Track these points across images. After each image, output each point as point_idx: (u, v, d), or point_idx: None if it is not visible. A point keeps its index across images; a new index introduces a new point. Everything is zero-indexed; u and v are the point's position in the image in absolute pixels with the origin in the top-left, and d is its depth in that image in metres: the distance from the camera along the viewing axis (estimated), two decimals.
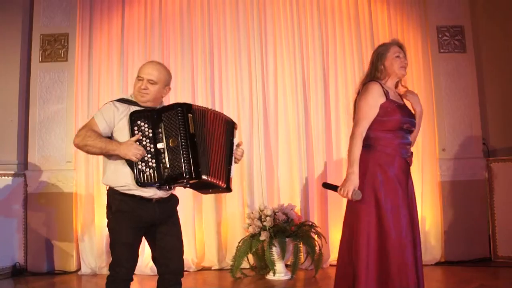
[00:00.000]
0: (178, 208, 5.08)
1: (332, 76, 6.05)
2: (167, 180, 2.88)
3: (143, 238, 3.12)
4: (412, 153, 3.29)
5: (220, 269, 5.72)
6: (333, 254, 5.80)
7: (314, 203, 5.79)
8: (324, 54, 6.04)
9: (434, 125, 5.99)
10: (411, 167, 3.31)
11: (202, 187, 3.16)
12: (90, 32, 6.03)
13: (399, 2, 6.19)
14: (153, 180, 2.87)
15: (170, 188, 3.01)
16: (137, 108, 3.01)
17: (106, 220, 5.71)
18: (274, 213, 5.23)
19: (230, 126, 3.19)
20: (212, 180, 2.95)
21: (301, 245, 5.24)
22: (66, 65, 5.94)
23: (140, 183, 2.87)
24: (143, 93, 3.01)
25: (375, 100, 3.17)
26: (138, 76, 3.06)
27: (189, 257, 5.67)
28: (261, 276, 5.28)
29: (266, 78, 6.03)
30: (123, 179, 2.92)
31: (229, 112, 5.91)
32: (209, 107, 3.16)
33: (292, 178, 5.91)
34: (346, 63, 6.08)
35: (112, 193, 3.00)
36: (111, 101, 3.06)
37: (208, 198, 5.77)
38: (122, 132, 2.95)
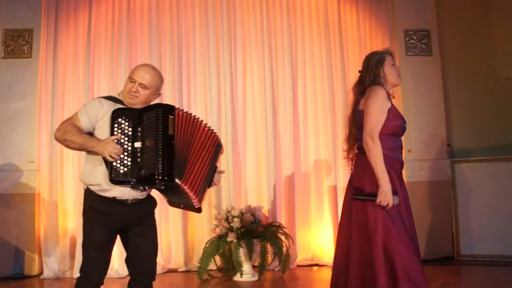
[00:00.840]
0: None
1: (300, 78, 6.07)
2: (140, 179, 2.83)
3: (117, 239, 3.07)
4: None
5: (187, 271, 5.67)
6: (300, 254, 5.83)
7: (281, 204, 5.80)
8: (293, 55, 6.06)
9: None
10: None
11: (175, 197, 3.08)
12: (55, 28, 5.87)
13: (368, 5, 6.26)
14: (125, 179, 2.83)
15: (144, 189, 2.95)
16: (122, 106, 2.96)
17: (70, 222, 5.63)
18: (242, 214, 5.21)
19: (218, 149, 3.12)
20: (186, 187, 2.86)
21: (269, 246, 5.22)
22: (30, 62, 5.77)
23: (113, 180, 2.82)
24: (133, 95, 2.96)
25: (383, 104, 3.18)
26: (130, 78, 3.00)
27: None
28: (228, 278, 5.25)
29: (235, 78, 6.00)
30: (97, 177, 2.88)
31: (197, 112, 5.87)
32: (197, 116, 3.09)
33: (260, 178, 5.91)
34: (314, 64, 6.11)
35: (88, 193, 2.95)
36: (98, 97, 3.03)
37: None
38: (102, 129, 2.91)
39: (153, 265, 3.09)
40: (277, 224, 5.48)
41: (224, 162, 5.80)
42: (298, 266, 5.78)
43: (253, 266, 5.27)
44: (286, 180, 5.87)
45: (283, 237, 5.34)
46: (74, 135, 2.86)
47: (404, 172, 5.86)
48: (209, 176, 3.05)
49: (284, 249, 5.28)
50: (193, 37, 6.02)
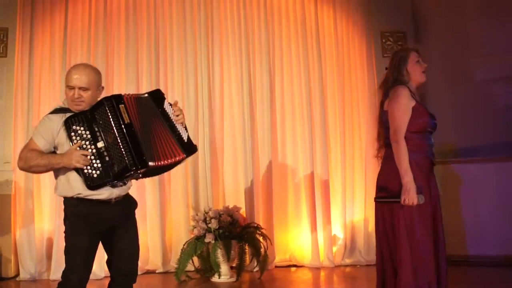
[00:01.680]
0: None
1: (278, 77, 6.09)
2: (115, 176, 2.81)
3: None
4: (434, 153, 3.33)
5: (165, 272, 5.64)
6: (278, 255, 5.85)
7: (259, 205, 5.80)
8: (271, 55, 6.07)
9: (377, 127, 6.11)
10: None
11: (159, 171, 3.11)
12: (31, 27, 5.78)
13: (345, 7, 6.30)
14: (102, 180, 2.81)
15: (124, 183, 2.94)
16: (71, 114, 2.91)
17: (47, 223, 5.57)
18: (219, 215, 5.21)
19: (155, 97, 3.06)
20: (162, 163, 2.88)
21: (246, 247, 5.23)
22: (5, 61, 5.68)
23: (91, 186, 2.81)
24: (78, 102, 2.90)
25: (406, 104, 3.20)
26: (67, 85, 2.92)
27: None
28: (206, 279, 5.26)
29: (212, 78, 6.00)
30: (75, 188, 2.85)
31: None
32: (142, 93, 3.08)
33: (238, 179, 5.91)
34: (292, 64, 6.14)
35: (68, 200, 2.91)
36: (45, 115, 2.96)
37: (152, 200, 5.69)
38: (63, 143, 2.87)
39: (135, 267, 3.08)
40: (255, 225, 5.49)
41: (201, 163, 5.81)
42: (276, 267, 5.80)
43: (231, 267, 5.27)
44: (263, 181, 5.89)
45: (261, 238, 5.35)
46: (36, 159, 2.82)
47: None
48: (170, 126, 3.00)
49: (262, 250, 5.30)
50: (170, 36, 5.99)
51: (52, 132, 2.88)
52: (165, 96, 3.11)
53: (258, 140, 5.94)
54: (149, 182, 5.69)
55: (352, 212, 6.06)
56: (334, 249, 5.93)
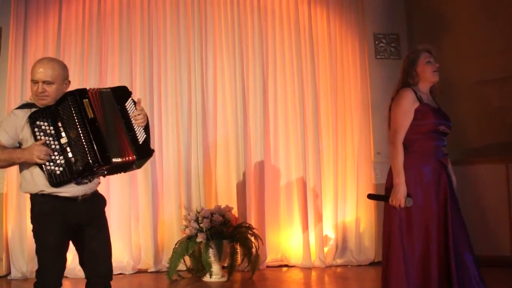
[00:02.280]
0: (114, 210, 4.96)
1: (271, 78, 6.11)
2: (79, 173, 2.76)
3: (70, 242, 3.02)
4: (447, 154, 3.34)
5: (157, 272, 5.65)
6: (270, 255, 5.87)
7: (251, 205, 5.83)
8: (264, 57, 6.09)
9: (370, 129, 6.17)
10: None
11: (123, 169, 3.04)
12: (25, 27, 5.78)
13: (339, 9, 6.33)
14: (66, 178, 2.76)
15: (90, 180, 2.89)
16: (36, 109, 2.87)
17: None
18: (211, 214, 5.22)
19: (117, 93, 3.01)
20: (126, 159, 2.85)
21: (238, 246, 5.25)
22: None
23: (53, 184, 2.76)
24: (42, 96, 2.85)
25: (408, 106, 3.25)
26: (32, 79, 2.88)
27: (125, 259, 5.59)
28: (198, 278, 5.27)
29: (206, 79, 6.01)
30: (39, 184, 2.80)
31: (167, 112, 5.88)
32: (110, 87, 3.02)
33: (230, 179, 5.93)
34: (285, 66, 6.16)
35: (34, 197, 2.88)
36: (11, 110, 2.94)
37: (145, 200, 5.70)
38: (27, 139, 2.84)
39: (110, 267, 3.04)
40: (247, 225, 5.51)
41: (194, 162, 5.82)
42: (267, 266, 5.82)
43: (223, 267, 5.28)
44: (256, 181, 5.91)
45: (252, 238, 5.37)
46: None
47: (372, 174, 6.05)
48: (126, 123, 2.94)
49: (254, 249, 5.31)
50: (164, 36, 6.00)
51: (15, 127, 2.84)
52: (131, 93, 3.05)
53: (251, 141, 5.96)
54: (141, 181, 5.71)
55: (343, 213, 6.08)
56: (326, 249, 5.96)
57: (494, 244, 5.69)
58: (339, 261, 5.96)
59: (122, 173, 3.15)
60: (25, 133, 2.83)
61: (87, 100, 2.82)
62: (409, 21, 6.45)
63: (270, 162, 6.01)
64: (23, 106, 2.91)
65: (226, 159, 5.96)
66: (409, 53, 3.48)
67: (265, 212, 5.84)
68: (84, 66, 5.76)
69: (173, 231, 5.71)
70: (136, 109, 3.00)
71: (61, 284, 2.92)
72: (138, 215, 5.73)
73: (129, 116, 2.97)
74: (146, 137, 3.00)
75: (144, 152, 2.96)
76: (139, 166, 3.09)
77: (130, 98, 3.03)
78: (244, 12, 6.14)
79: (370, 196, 3.59)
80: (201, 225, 5.14)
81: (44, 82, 2.84)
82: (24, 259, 5.48)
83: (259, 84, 6.04)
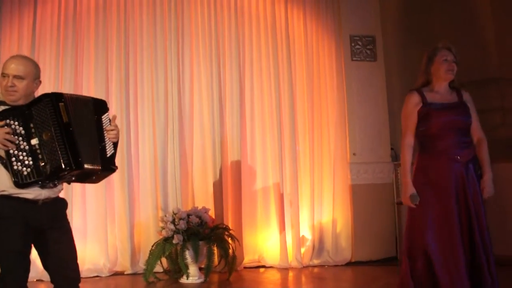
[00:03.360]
0: (90, 212, 4.87)
1: (248, 80, 6.12)
2: (48, 176, 2.72)
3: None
4: (467, 148, 3.32)
5: (134, 274, 5.61)
6: (247, 256, 5.88)
7: (228, 206, 5.83)
8: (241, 58, 6.10)
9: (346, 130, 6.21)
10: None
11: (87, 177, 3.00)
12: None
13: (315, 11, 6.37)
14: (32, 179, 2.70)
15: (55, 185, 2.84)
16: (6, 107, 2.81)
17: None
18: (188, 216, 5.21)
19: (97, 104, 3.01)
20: (96, 167, 2.83)
21: (215, 248, 5.24)
22: None
23: (19, 184, 2.69)
24: (11, 91, 2.79)
25: (410, 109, 3.35)
26: (2, 73, 2.81)
27: (101, 261, 5.54)
28: (175, 280, 5.25)
29: (182, 80, 6.00)
30: (2, 183, 2.73)
31: (144, 113, 5.85)
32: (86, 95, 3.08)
33: (207, 181, 5.92)
34: (262, 67, 6.18)
35: None
36: None
37: (121, 201, 5.65)
38: None
39: (76, 269, 2.97)
40: (224, 226, 5.52)
41: (171, 164, 5.80)
42: (244, 267, 5.81)
43: (200, 268, 5.27)
44: (232, 182, 5.91)
45: (229, 239, 5.38)
46: None
47: (348, 175, 6.11)
48: (98, 134, 2.93)
49: (231, 251, 5.32)
50: (140, 37, 5.97)
51: None
52: (108, 109, 3.06)
53: (228, 142, 5.96)
54: (118, 183, 5.66)
55: (320, 214, 6.12)
56: (303, 250, 5.98)
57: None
58: (316, 262, 6.00)
59: (81, 183, 3.12)
60: None
61: (63, 104, 2.78)
62: (384, 23, 6.52)
63: (247, 163, 6.02)
64: None
65: (202, 160, 5.95)
66: (428, 50, 3.45)
67: (242, 213, 5.85)
68: (59, 67, 5.70)
69: (149, 233, 5.67)
70: (110, 124, 3.00)
71: None
72: (114, 217, 5.68)
73: (103, 128, 2.96)
74: (113, 152, 2.99)
75: (108, 165, 2.95)
76: (98, 180, 3.07)
77: (107, 113, 3.03)
78: (221, 13, 6.14)
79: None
80: (178, 226, 5.13)
81: (14, 76, 2.79)
82: None
83: (235, 86, 6.05)
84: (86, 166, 2.76)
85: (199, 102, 6.03)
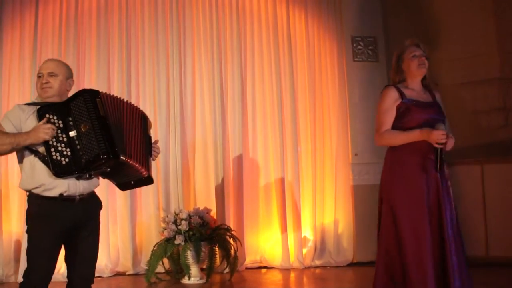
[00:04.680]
0: None
1: (249, 80, 6.12)
2: (85, 165, 2.82)
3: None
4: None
5: (135, 274, 5.61)
6: (249, 257, 5.88)
7: (230, 207, 5.83)
8: (242, 59, 6.10)
9: (347, 131, 6.21)
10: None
11: (122, 176, 3.11)
12: (0, 27, 5.70)
13: (317, 11, 6.36)
14: (70, 169, 2.81)
15: (90, 176, 2.94)
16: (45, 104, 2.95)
17: (14, 226, 5.50)
18: (190, 216, 5.21)
19: (145, 121, 3.20)
20: (131, 162, 2.92)
21: (216, 248, 5.25)
22: None
23: (58, 173, 2.79)
24: (46, 87, 2.96)
25: (388, 104, 3.27)
26: (37, 75, 3.02)
27: (103, 262, 5.53)
28: (176, 280, 5.25)
29: (184, 80, 6.00)
30: (38, 178, 2.84)
31: (146, 113, 5.80)
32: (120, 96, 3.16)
33: (208, 181, 5.92)
34: (263, 68, 6.18)
35: (31, 198, 2.90)
36: (17, 104, 3.02)
37: (123, 201, 5.66)
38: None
39: (93, 270, 3.08)
40: (225, 226, 5.52)
41: (172, 164, 5.80)
42: (246, 268, 5.82)
43: (201, 269, 5.28)
44: (234, 183, 5.91)
45: (231, 240, 5.37)
46: (1, 138, 2.82)
47: (350, 175, 6.10)
48: (147, 147, 3.13)
49: (232, 251, 5.32)
50: (142, 37, 5.97)
51: (20, 119, 2.90)
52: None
53: (229, 142, 5.96)
54: None
55: (322, 214, 6.12)
56: (304, 250, 5.98)
57: (471, 244, 5.78)
58: (317, 262, 5.99)
59: (114, 182, 3.20)
60: (29, 125, 2.87)
61: (99, 99, 2.91)
62: (385, 24, 6.52)
63: (249, 164, 6.02)
64: (29, 104, 2.99)
65: (204, 161, 5.95)
66: (397, 50, 3.46)
67: (243, 214, 5.85)
68: None
69: (151, 233, 5.68)
70: (155, 144, 3.23)
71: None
72: (116, 217, 5.69)
73: (150, 138, 3.20)
74: (151, 162, 3.17)
75: (151, 174, 3.12)
76: (131, 185, 3.20)
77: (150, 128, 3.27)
78: (222, 13, 6.14)
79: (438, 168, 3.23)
80: (180, 227, 5.13)
81: (48, 73, 2.96)
82: (0, 263, 5.38)
83: (237, 86, 6.05)
84: (122, 157, 2.86)
85: (200, 102, 6.03)
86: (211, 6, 6.12)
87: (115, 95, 3.08)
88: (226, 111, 6.00)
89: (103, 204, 5.63)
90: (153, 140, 3.23)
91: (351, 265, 6.02)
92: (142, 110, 3.23)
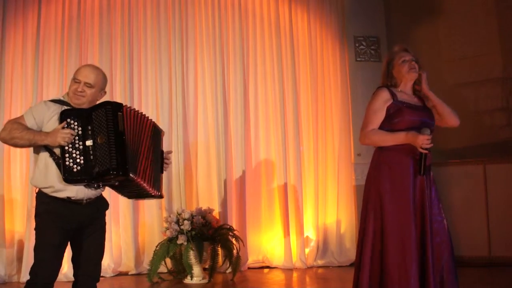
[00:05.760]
0: None
1: (252, 80, 6.13)
2: (95, 176, 2.85)
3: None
4: (429, 151, 3.20)
5: (138, 274, 5.62)
6: (251, 257, 5.88)
7: (232, 206, 5.83)
8: (245, 59, 6.11)
9: (350, 131, 6.22)
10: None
11: (129, 191, 3.14)
12: (2, 26, 5.68)
13: (319, 11, 6.37)
14: (80, 177, 2.83)
15: (98, 186, 2.97)
16: (69, 108, 2.98)
17: (17, 225, 5.50)
18: (192, 216, 5.21)
19: (158, 133, 3.22)
20: (139, 181, 2.94)
21: (219, 248, 5.25)
22: None
23: (68, 179, 2.82)
24: (79, 95, 2.97)
25: (379, 104, 3.23)
26: (75, 78, 3.01)
27: (105, 262, 5.52)
28: (179, 280, 5.25)
29: (186, 80, 6.01)
30: (50, 179, 2.88)
31: (148, 113, 5.73)
32: (140, 110, 3.17)
33: (211, 181, 5.93)
34: (266, 67, 6.18)
35: (41, 195, 2.94)
36: (44, 100, 3.06)
37: (125, 202, 5.65)
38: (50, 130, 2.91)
39: (99, 268, 3.12)
40: (228, 226, 5.52)
41: (175, 164, 5.80)
42: (249, 268, 5.82)
43: (204, 269, 5.28)
44: (237, 182, 5.92)
45: (233, 240, 5.37)
46: (22, 132, 2.86)
47: (353, 175, 6.10)
48: (159, 164, 3.17)
49: (235, 251, 5.32)
50: (144, 37, 5.98)
51: (43, 116, 2.93)
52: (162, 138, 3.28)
53: (232, 142, 5.97)
54: None
55: (324, 214, 6.12)
56: (307, 250, 5.98)
57: (473, 244, 5.78)
58: (320, 262, 6.00)
59: (122, 194, 3.23)
60: (51, 125, 2.90)
61: (121, 114, 2.92)
62: (388, 24, 6.52)
63: (251, 164, 6.02)
64: (56, 101, 3.01)
65: (207, 160, 5.96)
66: (386, 56, 3.46)
67: (246, 213, 5.85)
68: (63, 66, 5.71)
69: (154, 233, 5.69)
70: (167, 154, 3.28)
71: (53, 285, 2.94)
72: (119, 217, 5.70)
73: (164, 155, 3.23)
74: (161, 180, 3.21)
75: (161, 192, 3.18)
76: (139, 196, 3.27)
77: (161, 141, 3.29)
78: (225, 13, 6.15)
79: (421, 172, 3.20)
80: (182, 227, 5.13)
81: (86, 83, 2.97)
82: (3, 263, 5.39)
83: (239, 86, 6.06)
84: (131, 175, 2.87)
85: (203, 102, 6.04)
86: (213, 6, 6.12)
87: (138, 110, 3.09)
88: (229, 111, 6.01)
89: None
90: (166, 150, 3.27)
91: (353, 265, 5.99)
92: (156, 125, 3.22)
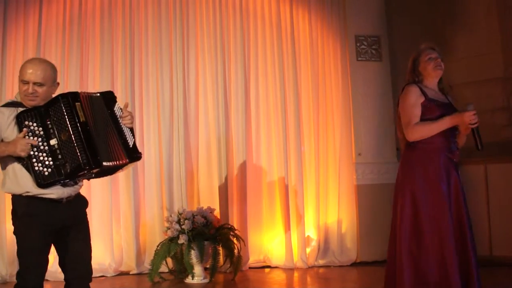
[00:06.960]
0: (95, 212, 4.95)
1: (253, 80, 6.13)
2: (68, 175, 2.76)
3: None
4: (458, 149, 3.33)
5: (139, 274, 5.61)
6: (252, 256, 5.88)
7: (233, 206, 5.83)
8: (246, 58, 6.10)
9: (351, 130, 6.21)
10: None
11: (109, 172, 3.08)
12: (4, 26, 5.67)
13: (320, 11, 6.37)
14: (54, 179, 2.75)
15: (76, 183, 2.91)
16: (24, 109, 2.85)
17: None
18: (193, 216, 5.21)
19: (110, 99, 3.05)
20: (115, 163, 2.88)
21: (220, 248, 5.24)
22: None
23: (41, 185, 2.75)
24: (32, 97, 2.82)
25: (414, 99, 3.28)
26: (21, 80, 2.83)
27: (106, 262, 5.55)
28: (180, 280, 5.25)
29: (187, 80, 6.00)
30: (24, 185, 2.79)
31: (149, 113, 5.87)
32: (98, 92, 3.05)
33: (212, 181, 5.93)
34: (267, 67, 6.17)
35: (18, 198, 2.84)
36: None
37: (126, 201, 5.67)
38: (11, 138, 2.80)
39: (90, 268, 3.05)
40: (229, 226, 5.52)
41: (176, 164, 5.80)
42: (250, 268, 5.82)
43: (205, 268, 5.27)
44: (238, 182, 5.91)
45: (234, 239, 5.37)
46: None
47: (354, 175, 6.10)
48: (116, 128, 2.98)
49: (236, 251, 5.32)
50: (145, 37, 5.97)
51: (1, 125, 2.81)
52: (116, 98, 3.10)
53: (233, 142, 5.96)
54: (123, 183, 5.67)
55: (325, 214, 6.12)
56: (308, 250, 5.98)
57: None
58: (321, 262, 5.99)
59: (103, 177, 3.18)
60: (10, 132, 2.80)
61: (79, 103, 2.81)
62: (389, 23, 6.52)
63: (252, 163, 6.02)
64: (9, 105, 2.88)
65: (208, 160, 5.96)
66: (413, 54, 3.51)
67: (247, 213, 5.85)
68: (64, 66, 5.70)
69: (155, 233, 5.68)
70: (123, 112, 3.04)
71: (42, 286, 2.91)
72: (120, 217, 5.69)
73: (118, 120, 3.00)
74: (134, 140, 3.04)
75: (134, 155, 3.02)
76: (121, 170, 3.13)
77: (117, 103, 3.07)
78: (226, 13, 6.14)
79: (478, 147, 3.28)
80: (183, 226, 5.13)
81: (35, 83, 2.81)
82: (4, 262, 5.40)
83: (241, 86, 6.05)
84: (105, 163, 2.81)
85: (204, 102, 6.03)
86: (214, 6, 6.11)
87: (94, 92, 2.98)
88: (230, 111, 6.00)
89: (106, 204, 5.70)
90: (118, 109, 3.05)
91: (354, 264, 6.01)
92: (103, 92, 3.06)
